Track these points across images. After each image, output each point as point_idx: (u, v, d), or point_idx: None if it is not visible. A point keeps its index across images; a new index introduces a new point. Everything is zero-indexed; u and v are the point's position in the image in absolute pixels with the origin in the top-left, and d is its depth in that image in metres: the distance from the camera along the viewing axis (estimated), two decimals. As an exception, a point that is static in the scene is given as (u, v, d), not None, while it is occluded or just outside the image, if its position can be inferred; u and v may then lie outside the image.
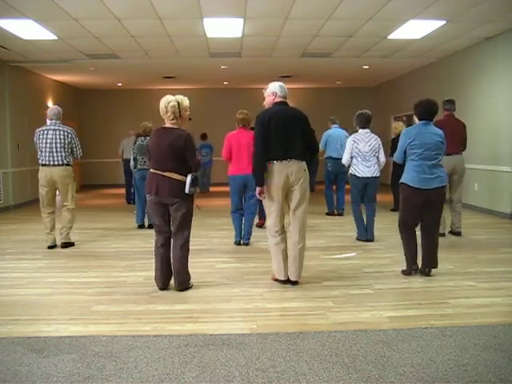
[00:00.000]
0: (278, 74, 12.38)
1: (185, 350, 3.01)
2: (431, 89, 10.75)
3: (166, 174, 4.05)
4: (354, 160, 6.15)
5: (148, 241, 6.42)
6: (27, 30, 7.48)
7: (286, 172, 4.15)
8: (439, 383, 2.59)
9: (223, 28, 7.65)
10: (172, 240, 4.23)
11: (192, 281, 4.38)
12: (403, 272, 4.66)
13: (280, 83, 4.34)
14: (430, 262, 4.57)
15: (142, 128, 7.44)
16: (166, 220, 4.20)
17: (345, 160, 6.24)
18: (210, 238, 6.54)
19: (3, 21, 7.00)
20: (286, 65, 11.08)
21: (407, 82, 12.47)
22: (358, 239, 6.31)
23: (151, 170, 4.17)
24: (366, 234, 6.27)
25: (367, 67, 11.40)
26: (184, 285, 4.26)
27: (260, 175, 4.20)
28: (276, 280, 4.43)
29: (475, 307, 3.76)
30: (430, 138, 4.41)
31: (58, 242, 6.12)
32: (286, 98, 4.32)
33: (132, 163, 7.45)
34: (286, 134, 4.14)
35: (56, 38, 7.99)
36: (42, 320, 3.59)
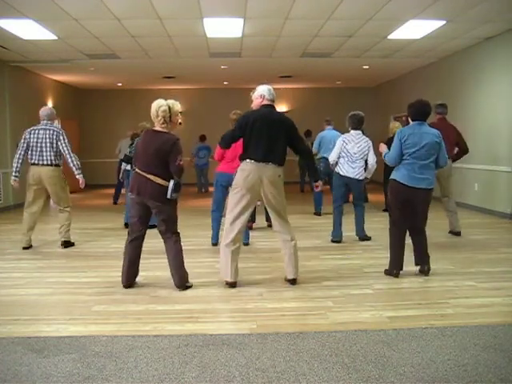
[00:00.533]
0: (277, 74, 12.39)
1: (185, 350, 3.01)
2: (431, 89, 10.75)
3: (150, 176, 4.10)
4: (341, 159, 6.16)
5: (147, 241, 6.41)
6: (27, 30, 7.48)
7: (260, 174, 4.17)
8: (439, 383, 2.59)
9: (223, 28, 7.65)
10: (164, 243, 4.31)
11: (192, 281, 4.39)
12: (385, 271, 4.69)
13: (269, 87, 4.35)
14: (426, 261, 4.62)
15: (140, 128, 7.41)
16: (142, 220, 4.26)
17: (331, 158, 6.24)
18: (209, 238, 6.53)
19: (3, 21, 7.00)
20: (286, 65, 11.07)
21: (407, 82, 12.47)
22: (332, 241, 6.24)
23: (136, 170, 4.22)
24: (341, 235, 6.26)
25: (367, 67, 11.40)
26: (183, 284, 4.30)
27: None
28: (226, 283, 4.34)
29: (475, 307, 3.76)
30: (424, 137, 4.42)
31: (35, 243, 6.14)
32: (273, 101, 4.35)
33: (123, 166, 7.62)
34: (269, 138, 4.18)
35: (56, 37, 7.99)
36: (42, 320, 3.60)
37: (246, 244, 6.12)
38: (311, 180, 4.68)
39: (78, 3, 6.34)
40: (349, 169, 6.10)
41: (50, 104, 12.34)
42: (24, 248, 5.99)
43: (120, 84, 13.96)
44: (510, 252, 5.58)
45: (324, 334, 3.25)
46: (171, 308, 3.82)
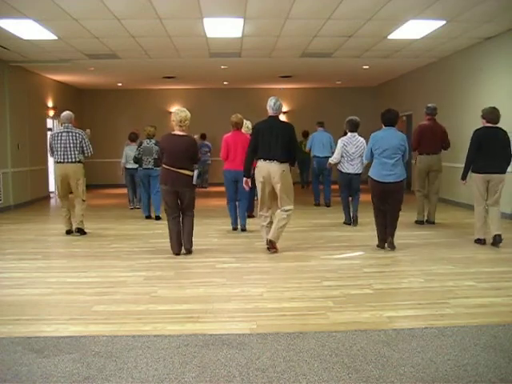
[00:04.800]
0: (277, 74, 12.39)
1: (185, 350, 3.01)
2: (431, 89, 10.75)
3: (181, 170, 5.33)
4: (341, 159, 7.28)
5: (148, 241, 6.44)
6: (27, 29, 7.47)
7: (268, 170, 5.43)
8: (439, 383, 2.59)
9: (223, 28, 7.65)
10: (183, 217, 5.54)
11: (193, 280, 4.45)
12: (377, 246, 5.73)
13: (273, 101, 5.59)
14: (392, 234, 5.62)
15: (146, 131, 8.28)
16: (176, 202, 5.48)
17: (335, 159, 7.37)
18: (209, 238, 6.54)
19: (3, 21, 6.99)
20: (286, 65, 11.07)
21: (407, 82, 12.46)
22: (345, 223, 7.47)
23: (165, 166, 5.38)
24: (350, 219, 7.43)
25: (367, 67, 11.39)
26: (190, 248, 5.57)
27: (247, 169, 5.70)
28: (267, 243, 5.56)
29: (475, 307, 3.76)
30: (391, 141, 5.44)
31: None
32: (277, 111, 5.61)
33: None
34: (272, 141, 5.40)
35: (56, 37, 7.99)
36: (42, 320, 3.60)
37: (243, 229, 6.96)
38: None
39: (78, 3, 6.34)
40: (349, 166, 7.26)
41: (50, 104, 12.35)
42: (67, 232, 6.86)
43: (120, 84, 13.95)
44: (510, 252, 5.58)
45: (324, 334, 3.25)
46: (171, 308, 3.82)
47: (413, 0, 6.39)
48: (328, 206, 9.45)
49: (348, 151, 7.18)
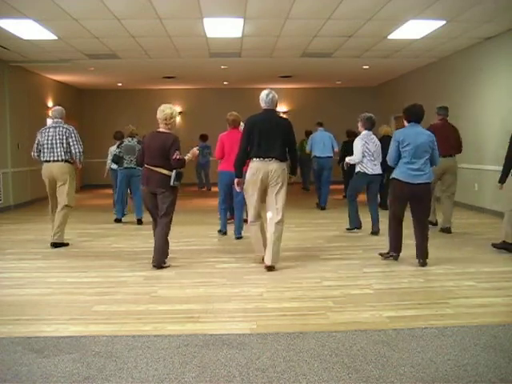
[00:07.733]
0: (277, 74, 12.39)
1: (185, 350, 3.01)
2: (431, 89, 10.75)
3: (156, 168, 4.85)
4: (363, 159, 6.53)
5: (147, 241, 6.42)
6: (27, 29, 7.47)
7: (265, 169, 4.74)
8: (439, 383, 2.59)
9: (223, 28, 7.65)
10: (156, 226, 5.01)
11: (193, 281, 4.42)
12: (380, 254, 5.21)
13: (266, 93, 4.91)
14: (423, 253, 4.95)
15: (129, 130, 8.05)
16: (155, 207, 4.97)
17: (358, 159, 6.56)
18: (210, 238, 6.54)
19: (3, 21, 6.99)
20: (286, 65, 11.07)
21: (407, 82, 12.46)
22: (348, 229, 6.87)
23: (145, 165, 4.96)
24: (360, 224, 6.84)
25: (367, 67, 11.39)
26: (159, 265, 4.93)
27: (239, 169, 4.95)
28: (262, 261, 4.91)
29: (475, 307, 3.76)
30: (419, 137, 4.86)
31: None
32: (271, 104, 4.91)
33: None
34: (269, 137, 4.75)
35: (56, 37, 7.99)
36: (42, 320, 3.60)
37: (239, 238, 6.42)
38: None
39: (78, 3, 6.34)
40: (373, 167, 6.54)
41: (50, 104, 12.34)
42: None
43: (120, 84, 13.95)
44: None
45: (324, 334, 3.25)
46: (171, 308, 3.82)
47: (413, 0, 6.39)
48: (323, 209, 9.11)
49: (370, 149, 6.49)
